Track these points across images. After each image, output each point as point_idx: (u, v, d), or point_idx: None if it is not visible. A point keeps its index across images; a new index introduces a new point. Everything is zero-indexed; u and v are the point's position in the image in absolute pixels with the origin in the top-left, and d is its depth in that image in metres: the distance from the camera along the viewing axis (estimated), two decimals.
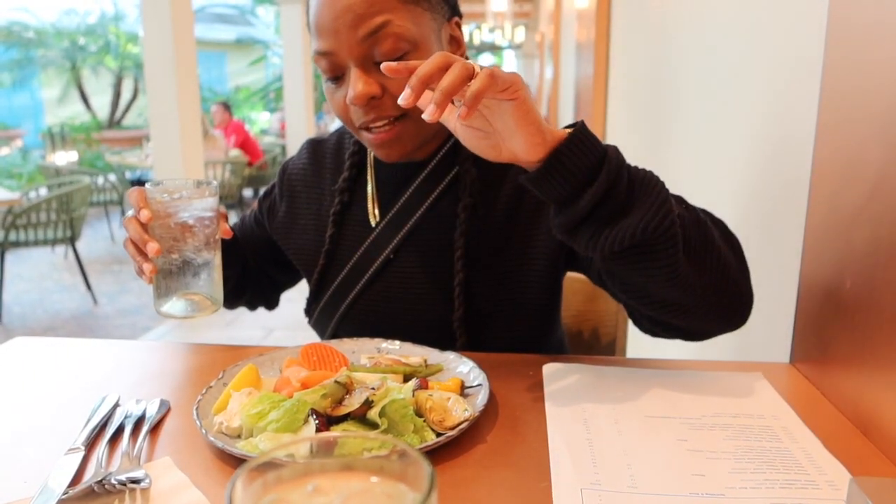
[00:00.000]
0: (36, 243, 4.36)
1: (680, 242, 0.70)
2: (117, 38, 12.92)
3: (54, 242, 4.41)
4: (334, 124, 9.97)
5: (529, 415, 0.74)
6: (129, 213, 0.83)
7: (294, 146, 7.35)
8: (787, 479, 0.61)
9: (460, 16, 0.93)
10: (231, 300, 1.12)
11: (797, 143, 0.98)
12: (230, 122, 7.18)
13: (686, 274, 0.73)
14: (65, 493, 0.59)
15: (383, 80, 0.84)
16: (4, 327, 4.08)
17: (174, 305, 0.83)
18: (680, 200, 0.77)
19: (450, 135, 0.96)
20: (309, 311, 1.07)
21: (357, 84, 0.83)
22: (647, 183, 0.71)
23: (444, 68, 0.62)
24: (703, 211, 0.81)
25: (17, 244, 4.29)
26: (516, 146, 0.68)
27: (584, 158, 0.68)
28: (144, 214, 0.80)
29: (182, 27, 4.22)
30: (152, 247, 0.79)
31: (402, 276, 0.96)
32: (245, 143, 7.11)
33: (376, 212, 0.99)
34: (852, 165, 0.76)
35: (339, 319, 1.01)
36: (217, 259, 0.84)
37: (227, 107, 7.33)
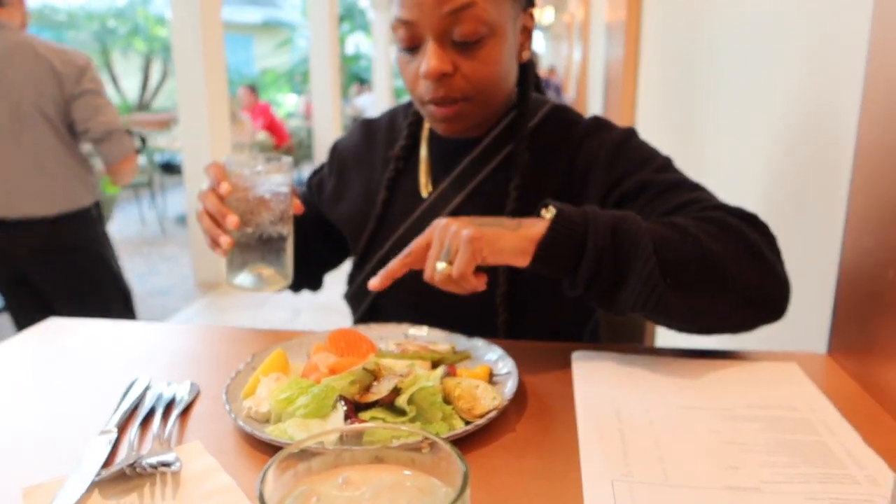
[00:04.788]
0: None
1: (671, 308, 0.74)
2: (146, 20, 13.02)
3: None
4: (359, 99, 9.94)
5: (558, 404, 0.73)
6: (205, 186, 0.83)
7: (320, 129, 7.35)
8: (824, 473, 0.59)
9: (535, 6, 0.94)
10: None
11: (839, 126, 0.95)
12: (256, 105, 7.21)
13: (697, 311, 0.76)
14: (97, 474, 0.60)
15: (457, 58, 0.85)
16: None
17: (246, 278, 0.84)
18: (684, 230, 0.76)
19: (505, 115, 0.97)
20: (351, 280, 1.07)
21: (432, 60, 0.84)
22: (632, 257, 0.73)
23: (425, 247, 0.76)
24: (720, 218, 0.79)
25: None
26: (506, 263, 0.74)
27: (564, 251, 0.73)
28: (224, 187, 0.80)
29: (210, 9, 4.22)
30: (232, 219, 0.80)
31: None
32: (271, 126, 7.14)
33: (429, 183, 1.00)
34: None
35: (380, 294, 1.00)
36: (289, 234, 0.85)
37: (253, 90, 7.36)
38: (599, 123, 0.98)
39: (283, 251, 0.84)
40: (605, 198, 0.91)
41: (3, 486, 0.61)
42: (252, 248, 0.82)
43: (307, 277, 1.16)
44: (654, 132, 2.99)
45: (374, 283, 0.76)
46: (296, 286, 1.16)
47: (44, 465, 0.64)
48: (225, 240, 0.81)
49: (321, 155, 7.24)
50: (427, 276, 0.74)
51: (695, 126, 2.06)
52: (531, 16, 0.93)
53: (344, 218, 1.08)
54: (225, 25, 4.44)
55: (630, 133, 0.95)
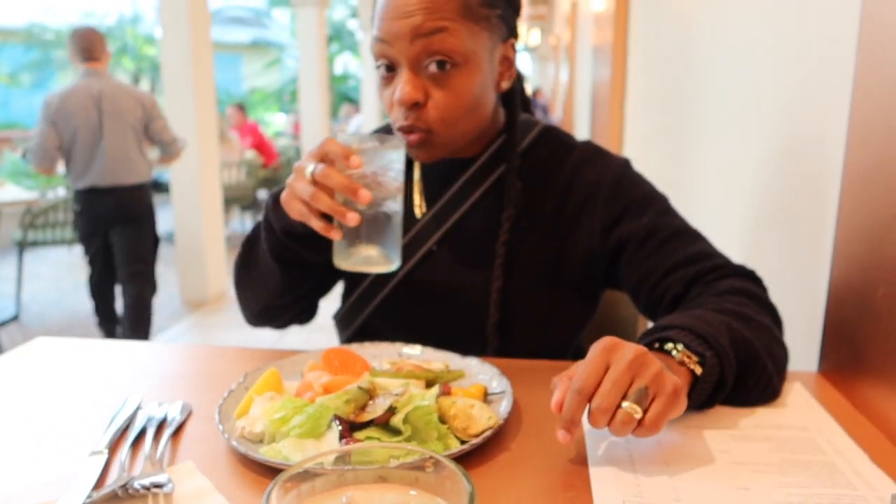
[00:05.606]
0: (54, 243, 4.41)
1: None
2: (134, 40, 13.04)
3: (71, 242, 4.45)
4: (350, 126, 9.99)
5: (553, 422, 0.72)
6: (312, 167, 0.78)
7: (308, 148, 7.37)
8: (834, 493, 0.59)
9: (517, 37, 0.94)
10: (287, 311, 1.04)
11: (827, 145, 0.97)
12: (245, 124, 7.22)
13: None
14: (89, 496, 0.59)
15: (430, 87, 0.85)
16: (22, 326, 4.12)
17: (358, 259, 0.80)
18: (749, 318, 0.78)
19: (497, 135, 0.98)
20: (344, 300, 1.06)
21: (405, 86, 0.84)
22: (752, 369, 0.75)
23: (600, 379, 0.62)
24: (747, 289, 0.84)
25: (35, 243, 4.33)
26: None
27: (705, 393, 0.72)
28: (356, 160, 0.76)
29: (199, 29, 4.24)
30: (365, 194, 0.75)
31: (441, 270, 0.97)
32: (260, 145, 7.14)
33: (423, 204, 1.00)
34: (886, 169, 0.74)
35: (372, 311, 1.00)
36: (401, 213, 0.81)
37: (242, 109, 7.37)
38: (595, 150, 0.99)
39: (395, 231, 0.81)
40: (606, 232, 0.93)
41: None
42: (365, 227, 0.79)
43: (308, 310, 1.08)
44: (642, 153, 3.02)
45: (563, 437, 0.62)
46: (287, 320, 1.06)
47: (33, 488, 0.63)
48: (354, 216, 0.76)
49: None
50: (599, 405, 0.61)
51: (682, 147, 2.09)
52: (512, 46, 0.93)
53: None
54: (214, 45, 4.45)
55: (627, 164, 0.98)
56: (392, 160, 0.79)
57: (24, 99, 13.55)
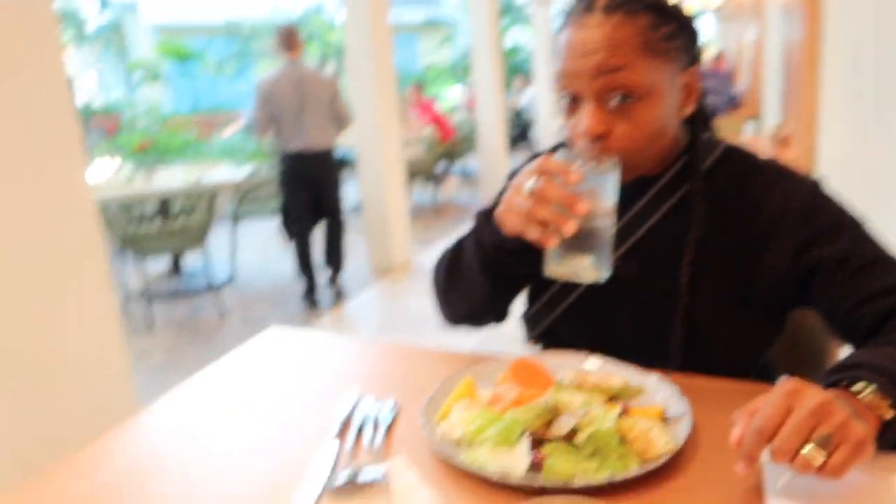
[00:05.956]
0: (261, 214, 5.04)
1: None
2: (319, 27, 13.98)
3: (274, 213, 4.98)
4: (523, 98, 10.01)
5: (731, 449, 0.74)
6: (532, 182, 0.85)
7: (483, 122, 7.49)
8: None
9: (699, 62, 0.95)
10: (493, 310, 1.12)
11: None
12: (422, 102, 7.58)
13: None
14: (327, 482, 0.73)
15: (613, 120, 0.89)
16: (235, 288, 4.75)
17: (569, 268, 0.87)
18: None
19: (679, 155, 0.99)
20: (531, 301, 1.12)
21: (589, 120, 0.89)
22: None
23: (781, 420, 0.65)
24: None
25: (245, 215, 4.99)
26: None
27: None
28: (574, 175, 0.84)
29: (378, 12, 4.56)
30: (582, 205, 0.83)
31: (625, 285, 0.98)
32: (436, 121, 7.46)
33: None
34: None
35: (558, 317, 1.06)
36: (613, 228, 0.88)
37: (419, 88, 7.76)
38: (779, 171, 0.97)
39: (606, 244, 0.88)
40: (796, 256, 0.92)
41: (241, 483, 0.76)
42: (578, 238, 0.86)
43: (502, 306, 1.13)
44: (840, 129, 2.77)
45: (742, 469, 0.66)
46: (486, 322, 1.13)
47: (271, 470, 0.79)
48: (571, 225, 0.83)
49: (485, 147, 7.41)
50: (781, 446, 0.64)
51: (892, 114, 1.89)
52: (693, 73, 0.94)
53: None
54: (392, 26, 4.77)
55: (816, 187, 0.95)
56: (605, 179, 0.85)
57: (229, 86, 15.05)
